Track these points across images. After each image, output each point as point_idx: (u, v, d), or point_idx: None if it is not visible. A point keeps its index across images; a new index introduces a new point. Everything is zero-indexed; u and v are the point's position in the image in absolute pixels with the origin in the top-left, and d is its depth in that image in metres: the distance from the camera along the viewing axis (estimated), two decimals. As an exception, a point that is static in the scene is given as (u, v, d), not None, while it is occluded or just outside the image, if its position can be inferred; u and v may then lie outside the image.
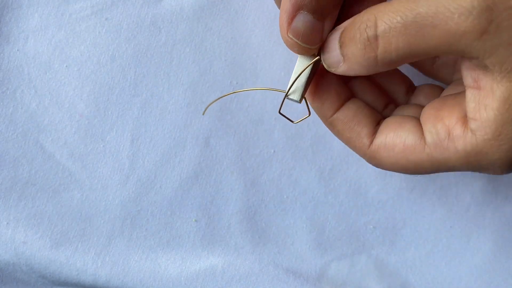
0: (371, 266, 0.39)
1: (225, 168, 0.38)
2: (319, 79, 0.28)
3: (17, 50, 0.36)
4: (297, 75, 0.28)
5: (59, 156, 0.37)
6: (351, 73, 0.25)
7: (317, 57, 0.27)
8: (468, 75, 0.23)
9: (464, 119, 0.23)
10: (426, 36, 0.21)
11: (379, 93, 0.30)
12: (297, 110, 0.32)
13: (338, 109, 0.28)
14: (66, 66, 0.36)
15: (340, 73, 0.26)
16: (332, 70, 0.26)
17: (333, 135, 0.30)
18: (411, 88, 0.31)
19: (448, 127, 0.24)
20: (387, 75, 0.30)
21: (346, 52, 0.24)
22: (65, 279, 0.39)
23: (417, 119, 0.26)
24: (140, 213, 0.38)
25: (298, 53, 0.28)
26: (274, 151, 0.38)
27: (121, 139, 0.37)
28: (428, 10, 0.20)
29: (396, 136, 0.25)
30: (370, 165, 0.29)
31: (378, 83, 0.30)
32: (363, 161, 0.29)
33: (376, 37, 0.22)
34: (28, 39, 0.36)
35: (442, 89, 0.30)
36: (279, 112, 0.29)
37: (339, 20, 0.26)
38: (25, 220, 0.38)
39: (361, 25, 0.23)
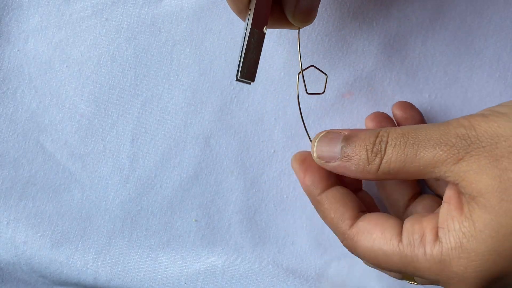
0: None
1: (225, 168, 0.38)
2: (311, 160, 0.31)
3: (18, 50, 0.36)
4: (250, 55, 0.27)
5: (59, 156, 0.37)
6: (341, 171, 0.28)
7: (264, 32, 0.27)
8: (447, 192, 0.26)
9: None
10: (417, 156, 0.26)
11: (383, 193, 0.34)
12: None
13: (326, 189, 0.30)
14: (67, 66, 0.36)
15: (329, 168, 0.29)
16: (319, 162, 0.29)
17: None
18: (415, 196, 0.34)
19: (424, 230, 0.26)
20: (397, 184, 0.34)
21: (352, 154, 0.28)
22: (65, 279, 0.39)
23: (402, 220, 0.28)
24: (140, 212, 0.38)
25: None
26: (274, 151, 0.38)
27: (121, 139, 0.37)
28: (425, 137, 0.26)
29: (377, 225, 0.28)
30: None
31: (384, 185, 0.34)
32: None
33: (385, 149, 0.27)
34: (29, 39, 0.36)
35: (439, 203, 0.32)
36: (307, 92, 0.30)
37: None
38: (25, 220, 0.38)
39: (378, 137, 0.27)
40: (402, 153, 0.26)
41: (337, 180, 0.31)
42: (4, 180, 0.37)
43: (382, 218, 0.28)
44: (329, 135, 0.29)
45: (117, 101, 0.37)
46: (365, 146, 0.27)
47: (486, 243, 0.23)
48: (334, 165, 0.28)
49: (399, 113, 0.34)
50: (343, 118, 0.37)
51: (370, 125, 0.34)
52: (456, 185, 0.25)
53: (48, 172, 0.37)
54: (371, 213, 0.29)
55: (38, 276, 0.39)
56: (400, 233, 0.27)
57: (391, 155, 0.26)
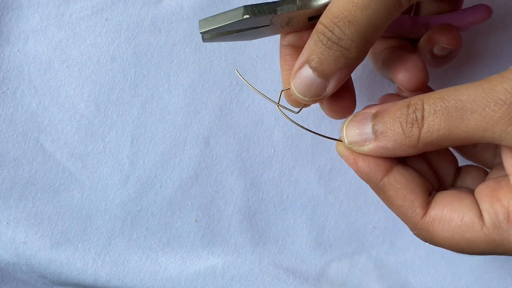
0: (371, 266, 0.39)
1: (225, 168, 0.38)
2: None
3: (17, 50, 0.36)
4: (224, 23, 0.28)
5: (59, 156, 0.37)
6: (378, 152, 0.26)
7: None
8: (507, 161, 0.24)
9: None
10: (465, 120, 0.23)
11: (429, 166, 0.29)
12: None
13: (387, 172, 0.27)
14: (67, 66, 0.36)
15: (365, 152, 0.26)
16: (355, 148, 0.27)
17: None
18: (458, 170, 0.30)
19: (507, 208, 0.24)
20: (438, 154, 0.30)
21: (385, 130, 0.25)
22: (65, 279, 0.39)
23: (473, 196, 0.26)
24: (140, 213, 0.38)
25: (292, 103, 0.28)
26: (274, 151, 0.38)
27: (121, 139, 0.37)
28: (468, 97, 0.23)
29: (453, 211, 0.25)
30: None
31: (428, 159, 0.30)
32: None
33: (422, 117, 0.24)
34: (28, 39, 0.36)
35: (486, 172, 0.29)
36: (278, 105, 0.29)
37: None
38: (25, 220, 0.38)
39: (410, 107, 0.25)
40: (446, 118, 0.23)
41: (395, 159, 0.27)
42: (4, 180, 0.37)
43: (455, 201, 0.25)
44: (356, 117, 0.26)
45: (117, 101, 0.37)
46: (398, 119, 0.25)
47: None
48: (370, 148, 0.26)
49: (408, 94, 0.30)
50: (343, 118, 0.37)
51: None
52: None
53: (48, 172, 0.37)
54: (441, 194, 0.26)
55: (38, 276, 0.39)
56: (480, 214, 0.24)
57: (432, 123, 0.23)
